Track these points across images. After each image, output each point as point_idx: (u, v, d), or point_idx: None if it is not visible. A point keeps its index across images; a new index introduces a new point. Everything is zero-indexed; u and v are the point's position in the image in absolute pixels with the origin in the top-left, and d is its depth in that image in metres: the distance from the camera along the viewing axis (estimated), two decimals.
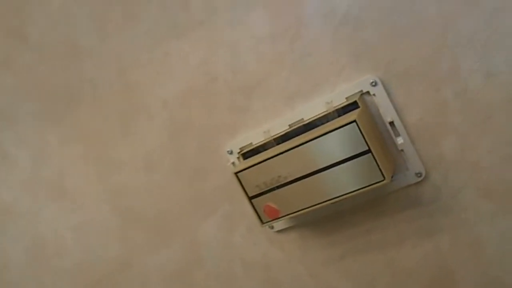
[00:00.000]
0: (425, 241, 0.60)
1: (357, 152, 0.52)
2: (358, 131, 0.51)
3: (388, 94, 0.55)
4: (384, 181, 0.52)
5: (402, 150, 0.57)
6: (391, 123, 0.56)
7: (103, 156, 0.73)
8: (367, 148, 0.51)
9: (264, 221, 0.60)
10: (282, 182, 0.57)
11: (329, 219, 0.65)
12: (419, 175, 0.57)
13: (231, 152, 0.66)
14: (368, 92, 0.56)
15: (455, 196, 0.57)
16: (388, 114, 0.55)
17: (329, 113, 0.56)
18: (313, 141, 0.53)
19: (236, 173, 0.59)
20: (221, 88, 0.63)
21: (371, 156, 0.51)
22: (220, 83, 0.63)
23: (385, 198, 0.60)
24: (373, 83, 0.55)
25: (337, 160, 0.53)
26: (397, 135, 0.56)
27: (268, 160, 0.56)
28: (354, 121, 0.50)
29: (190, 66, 0.64)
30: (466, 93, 0.52)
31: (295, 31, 0.57)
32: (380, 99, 0.55)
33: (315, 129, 0.57)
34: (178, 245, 0.75)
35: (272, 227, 0.68)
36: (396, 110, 0.55)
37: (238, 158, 0.66)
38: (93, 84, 0.69)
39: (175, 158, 0.71)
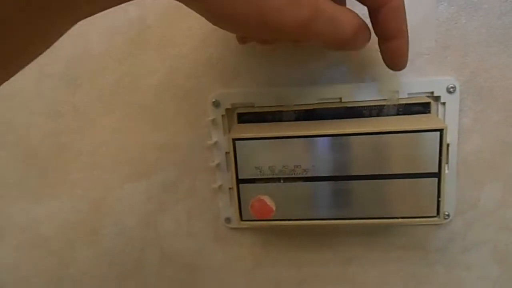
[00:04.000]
0: None
1: (423, 171, 0.38)
2: (438, 145, 0.37)
3: (460, 110, 0.43)
4: (436, 218, 0.39)
5: None
6: (447, 145, 0.43)
7: None
8: (437, 170, 0.38)
9: (245, 217, 0.41)
10: (299, 176, 0.39)
11: (306, 233, 0.49)
12: (446, 216, 0.46)
13: (217, 105, 0.45)
14: (437, 98, 0.42)
15: (467, 251, 0.48)
16: (449, 133, 0.43)
17: (389, 106, 0.41)
18: (373, 136, 0.37)
19: (234, 140, 0.39)
20: None
21: (436, 183, 0.38)
22: None
23: (390, 228, 0.48)
24: (451, 89, 0.42)
25: (394, 172, 0.38)
26: (446, 162, 0.44)
27: (292, 139, 0.38)
28: (443, 129, 0.36)
29: None
30: None
31: None
32: (449, 112, 0.42)
33: (368, 119, 0.41)
34: (69, 200, 0.51)
35: (228, 221, 0.49)
36: (458, 133, 0.43)
37: (224, 116, 0.45)
38: None
39: (123, 86, 0.46)
